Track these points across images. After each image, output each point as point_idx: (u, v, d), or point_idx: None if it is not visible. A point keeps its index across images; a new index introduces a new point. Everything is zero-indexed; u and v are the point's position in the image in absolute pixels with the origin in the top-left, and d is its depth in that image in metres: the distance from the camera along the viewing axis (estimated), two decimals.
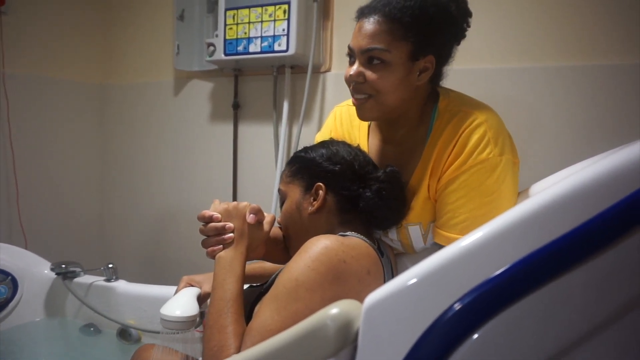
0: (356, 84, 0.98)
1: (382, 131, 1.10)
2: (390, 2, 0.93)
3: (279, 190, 1.04)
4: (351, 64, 0.99)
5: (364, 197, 0.96)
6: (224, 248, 0.91)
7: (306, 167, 1.00)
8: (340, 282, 0.81)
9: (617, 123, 1.32)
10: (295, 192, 1.00)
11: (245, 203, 0.96)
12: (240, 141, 1.90)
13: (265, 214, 0.98)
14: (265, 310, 0.80)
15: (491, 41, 1.46)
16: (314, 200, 0.97)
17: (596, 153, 0.92)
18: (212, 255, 0.92)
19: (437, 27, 0.95)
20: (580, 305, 0.50)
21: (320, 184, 0.96)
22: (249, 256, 0.94)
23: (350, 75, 0.98)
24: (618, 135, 1.31)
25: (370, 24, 0.94)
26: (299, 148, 1.08)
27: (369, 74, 0.96)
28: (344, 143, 1.04)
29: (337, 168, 0.97)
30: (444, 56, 1.01)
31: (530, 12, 1.41)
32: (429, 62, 0.97)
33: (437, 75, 1.03)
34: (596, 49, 1.34)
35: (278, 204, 1.06)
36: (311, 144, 1.08)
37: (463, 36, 1.02)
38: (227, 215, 0.93)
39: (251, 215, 0.94)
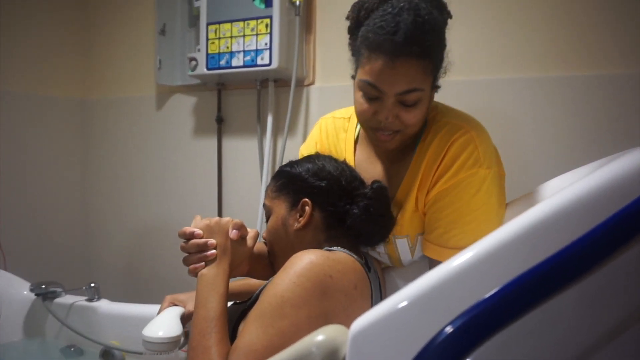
0: (387, 124, 0.93)
1: (374, 147, 1.08)
2: (416, 37, 0.86)
3: (264, 205, 1.02)
4: (371, 99, 0.93)
5: (350, 213, 0.94)
6: (206, 265, 0.89)
7: (292, 182, 0.98)
8: (326, 297, 0.79)
9: (599, 133, 1.33)
10: (280, 208, 0.98)
11: (227, 219, 0.94)
12: (224, 155, 1.88)
13: (248, 229, 0.97)
14: (250, 329, 0.77)
15: (471, 53, 1.47)
16: (300, 216, 0.95)
17: (579, 164, 0.93)
18: (194, 273, 0.89)
19: (444, 49, 0.95)
20: (576, 325, 0.49)
21: (307, 200, 0.95)
22: (232, 273, 0.92)
23: (387, 119, 0.92)
24: (600, 145, 1.32)
25: (404, 67, 0.87)
26: (284, 162, 1.06)
27: (403, 114, 0.92)
28: (330, 158, 1.02)
29: (323, 184, 0.95)
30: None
31: (510, 24, 1.42)
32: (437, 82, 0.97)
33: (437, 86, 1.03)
34: (577, 60, 1.36)
35: (264, 220, 1.04)
36: (296, 157, 1.06)
37: None
38: (209, 231, 0.91)
39: (234, 230, 0.92)
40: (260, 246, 1.07)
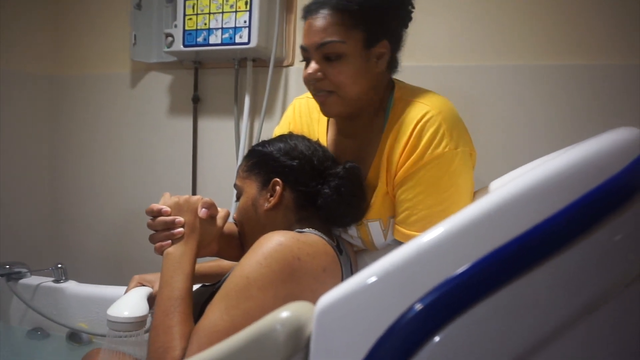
0: (316, 82, 0.95)
1: (339, 124, 1.07)
2: None
3: (235, 185, 0.99)
4: (307, 63, 0.97)
5: (322, 193, 0.93)
6: (173, 244, 0.86)
7: (263, 161, 0.96)
8: (294, 280, 0.77)
9: (574, 121, 1.34)
10: (251, 188, 0.95)
11: (197, 197, 0.91)
12: (200, 136, 1.83)
13: (219, 208, 0.94)
14: (214, 310, 0.76)
15: (451, 39, 1.46)
16: (271, 196, 0.93)
17: (554, 151, 0.92)
18: (160, 251, 0.87)
19: (386, 11, 0.94)
20: (546, 303, 0.47)
21: (277, 179, 0.93)
22: (200, 253, 0.90)
23: (309, 74, 0.95)
24: (575, 133, 1.32)
25: (320, 20, 0.92)
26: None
27: (328, 69, 0.94)
28: (302, 137, 1.00)
29: (295, 163, 0.93)
30: (396, 41, 1.00)
31: (490, 11, 1.41)
32: (384, 47, 0.96)
33: (393, 61, 1.02)
34: (555, 49, 1.36)
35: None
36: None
37: (410, 19, 1.01)
38: (178, 209, 0.88)
39: (203, 209, 0.89)
40: (231, 226, 1.04)
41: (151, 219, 0.88)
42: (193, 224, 0.88)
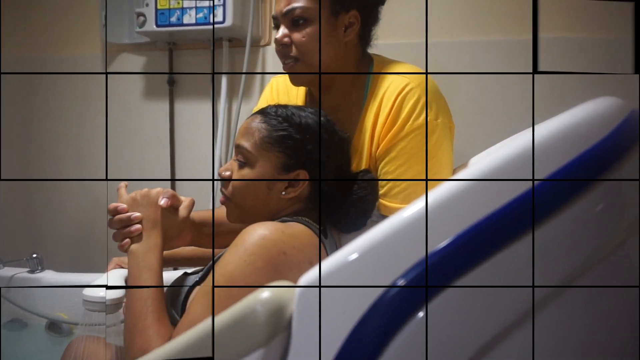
0: (283, 48, 0.97)
1: (315, 99, 1.06)
2: None
3: (243, 148, 0.87)
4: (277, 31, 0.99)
5: (346, 209, 0.93)
6: (133, 241, 0.83)
7: (295, 146, 0.86)
8: (279, 275, 0.74)
9: (551, 95, 1.34)
10: (267, 164, 0.86)
11: (158, 189, 0.87)
12: (176, 119, 1.79)
13: (182, 198, 0.90)
14: (196, 307, 0.74)
15: (430, 15, 1.44)
16: (290, 185, 0.87)
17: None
18: (124, 250, 0.83)
19: None
20: (529, 275, 0.47)
21: (305, 173, 0.86)
22: (172, 244, 0.88)
23: (276, 39, 0.97)
24: (553, 107, 1.32)
25: None
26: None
27: (294, 35, 0.95)
28: (337, 133, 0.93)
29: (329, 162, 0.89)
30: (368, 14, 0.99)
31: None
32: (353, 17, 0.96)
33: (365, 34, 1.01)
34: (530, 23, 1.36)
35: (219, 188, 0.97)
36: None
37: None
38: (135, 204, 0.85)
39: (163, 199, 0.85)
40: (202, 214, 1.01)
41: (110, 218, 0.85)
42: (154, 217, 0.84)
